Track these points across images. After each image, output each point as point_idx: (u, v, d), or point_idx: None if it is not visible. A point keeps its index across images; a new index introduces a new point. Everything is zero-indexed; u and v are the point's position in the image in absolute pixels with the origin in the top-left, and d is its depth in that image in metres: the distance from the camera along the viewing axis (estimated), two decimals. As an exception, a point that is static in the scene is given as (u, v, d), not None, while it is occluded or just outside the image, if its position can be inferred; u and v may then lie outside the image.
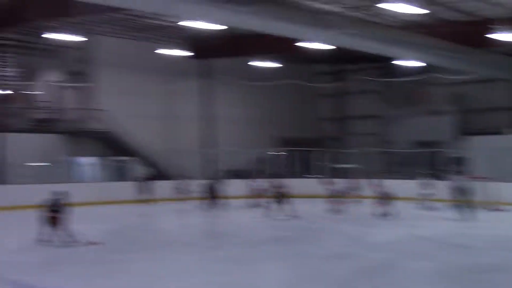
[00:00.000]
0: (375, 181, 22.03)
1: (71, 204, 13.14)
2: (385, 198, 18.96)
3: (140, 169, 26.76)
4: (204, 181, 24.01)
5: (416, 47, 22.60)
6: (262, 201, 21.04)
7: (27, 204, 21.08)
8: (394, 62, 26.96)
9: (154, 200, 23.17)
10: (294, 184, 26.04)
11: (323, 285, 9.31)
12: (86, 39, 27.68)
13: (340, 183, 22.01)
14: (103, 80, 29.20)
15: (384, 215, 18.53)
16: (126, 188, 24.12)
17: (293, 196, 19.03)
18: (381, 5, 18.44)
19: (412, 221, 18.17)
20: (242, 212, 21.55)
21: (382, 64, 33.74)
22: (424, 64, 26.81)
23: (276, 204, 18.23)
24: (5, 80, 29.82)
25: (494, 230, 16.08)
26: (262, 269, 10.85)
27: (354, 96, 37.48)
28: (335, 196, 20.31)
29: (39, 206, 13.38)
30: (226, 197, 22.41)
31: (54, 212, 12.83)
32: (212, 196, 22.81)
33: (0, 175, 23.37)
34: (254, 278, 10.04)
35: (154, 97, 30.54)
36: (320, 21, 18.68)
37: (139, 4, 15.54)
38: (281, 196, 18.31)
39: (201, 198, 22.77)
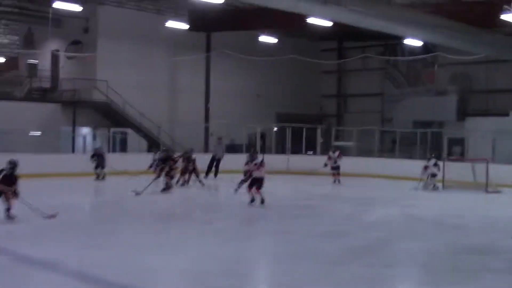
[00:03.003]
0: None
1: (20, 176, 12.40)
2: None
3: (139, 141, 26.72)
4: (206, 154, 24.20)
5: (421, 26, 22.25)
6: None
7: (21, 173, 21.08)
8: (398, 40, 26.68)
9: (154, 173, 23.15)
10: (292, 160, 26.16)
11: (315, 262, 9.25)
12: (89, 8, 27.46)
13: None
14: (104, 50, 29.01)
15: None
16: (123, 159, 24.03)
17: (288, 173, 18.90)
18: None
19: (408, 200, 18.09)
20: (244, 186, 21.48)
21: (387, 42, 33.51)
22: (429, 43, 26.56)
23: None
24: (4, 47, 29.67)
25: (490, 212, 16.03)
26: (252, 245, 10.80)
27: (356, 74, 37.27)
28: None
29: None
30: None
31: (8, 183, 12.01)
32: (211, 168, 23.15)
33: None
34: (246, 253, 9.98)
35: (156, 69, 30.38)
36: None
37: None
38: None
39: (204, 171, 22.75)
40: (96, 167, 21.62)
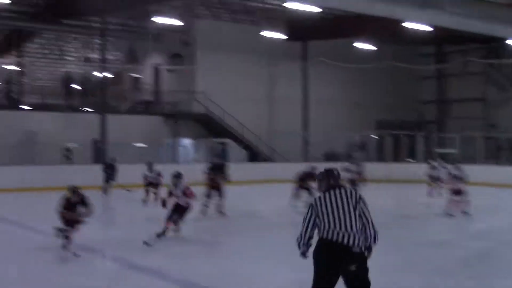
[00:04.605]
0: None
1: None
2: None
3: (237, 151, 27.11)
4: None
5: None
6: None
7: (130, 183, 21.89)
8: (502, 42, 25.73)
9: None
10: (392, 168, 25.67)
11: (421, 272, 9.06)
12: (188, 22, 28.22)
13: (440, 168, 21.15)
14: (203, 62, 29.70)
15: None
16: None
17: (387, 181, 18.52)
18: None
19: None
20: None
21: (488, 44, 32.36)
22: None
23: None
24: (109, 63, 30.92)
25: None
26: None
27: (457, 78, 36.12)
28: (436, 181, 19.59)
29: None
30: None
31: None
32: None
33: (102, 154, 24.28)
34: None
35: (254, 79, 30.75)
36: (422, 0, 18.05)
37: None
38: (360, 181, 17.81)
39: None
40: (107, 180, 19.26)
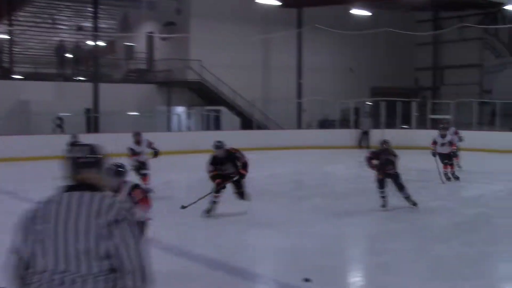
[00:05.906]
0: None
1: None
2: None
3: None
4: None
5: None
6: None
7: (120, 153, 21.79)
8: (499, 7, 25.46)
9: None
10: (387, 135, 25.58)
11: (414, 239, 9.04)
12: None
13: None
14: (197, 30, 29.40)
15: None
16: (217, 138, 24.36)
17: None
18: None
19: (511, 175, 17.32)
20: (335, 162, 21.31)
21: (485, 10, 32.06)
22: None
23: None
24: (102, 31, 30.59)
25: None
26: (350, 222, 10.67)
27: (453, 44, 35.83)
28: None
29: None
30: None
31: None
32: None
33: (95, 123, 24.17)
34: (342, 230, 9.90)
35: (248, 47, 30.42)
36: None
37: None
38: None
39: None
40: None
